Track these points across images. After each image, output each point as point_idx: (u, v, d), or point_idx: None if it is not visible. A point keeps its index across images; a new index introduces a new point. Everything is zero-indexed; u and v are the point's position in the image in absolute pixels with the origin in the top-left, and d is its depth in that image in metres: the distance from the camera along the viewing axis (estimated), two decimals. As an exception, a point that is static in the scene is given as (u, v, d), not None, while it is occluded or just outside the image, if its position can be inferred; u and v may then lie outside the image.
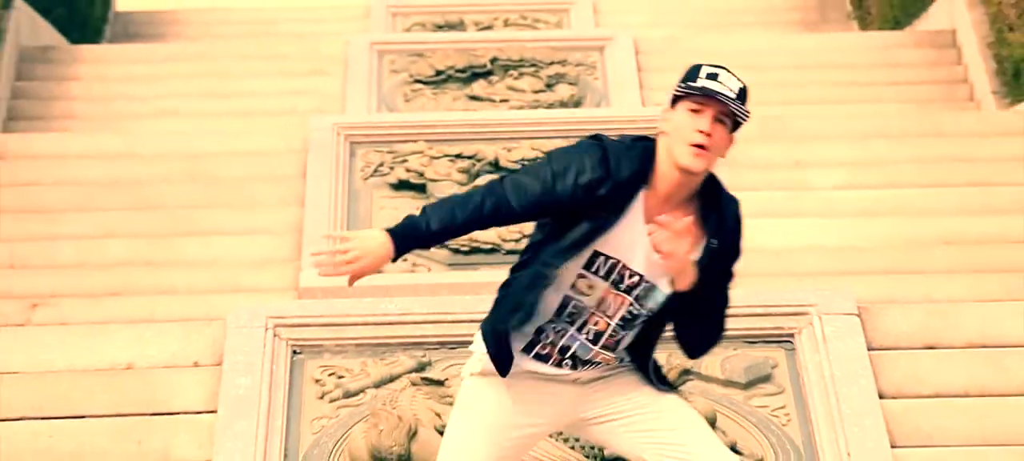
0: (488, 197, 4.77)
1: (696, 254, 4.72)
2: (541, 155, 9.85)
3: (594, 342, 4.85)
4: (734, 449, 6.47)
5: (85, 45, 13.47)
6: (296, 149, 10.16)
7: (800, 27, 14.81)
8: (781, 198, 9.72)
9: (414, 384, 6.74)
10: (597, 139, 4.78)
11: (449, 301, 7.28)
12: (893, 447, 6.68)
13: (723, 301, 4.87)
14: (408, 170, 9.77)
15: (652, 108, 11.16)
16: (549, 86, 11.85)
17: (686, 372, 6.88)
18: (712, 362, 6.86)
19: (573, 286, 4.81)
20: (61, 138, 10.80)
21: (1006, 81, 11.74)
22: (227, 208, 9.75)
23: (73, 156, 10.29)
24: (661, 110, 4.80)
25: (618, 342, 4.88)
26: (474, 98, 11.72)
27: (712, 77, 4.67)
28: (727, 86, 4.65)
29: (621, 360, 4.95)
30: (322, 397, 6.89)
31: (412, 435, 6.39)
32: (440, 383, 6.72)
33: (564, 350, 4.87)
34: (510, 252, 8.85)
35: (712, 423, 6.39)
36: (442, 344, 7.11)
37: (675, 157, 4.68)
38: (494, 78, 11.93)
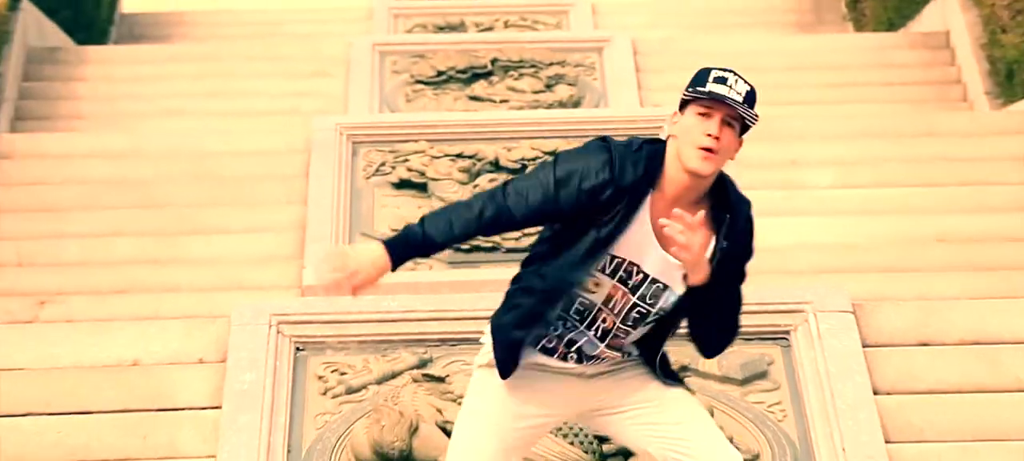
0: (488, 205, 4.73)
1: (708, 251, 4.71)
2: (541, 155, 9.89)
3: (601, 339, 4.84)
4: (730, 444, 6.46)
5: (91, 46, 13.47)
6: (299, 148, 10.17)
7: (796, 28, 14.81)
8: (777, 197, 9.72)
9: (416, 380, 6.74)
10: (603, 141, 4.75)
11: (450, 299, 7.28)
12: (887, 442, 6.68)
13: (736, 300, 4.84)
14: (409, 169, 9.77)
15: (650, 108, 11.17)
16: (549, 86, 11.85)
17: (684, 368, 6.88)
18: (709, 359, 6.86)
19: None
20: (68, 138, 10.80)
21: (999, 82, 11.74)
22: (231, 207, 9.76)
23: (80, 155, 10.29)
24: (669, 113, 4.79)
25: (626, 341, 4.87)
26: (475, 98, 11.72)
27: (720, 81, 4.65)
28: (735, 90, 4.64)
29: (628, 355, 4.94)
30: (325, 393, 6.89)
31: (413, 431, 6.39)
32: (441, 379, 6.72)
33: (570, 344, 4.86)
34: (511, 250, 8.86)
35: (708, 419, 6.39)
36: (443, 341, 7.11)
37: (684, 160, 4.66)
38: (494, 79, 11.93)
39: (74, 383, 7.00)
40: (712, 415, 6.51)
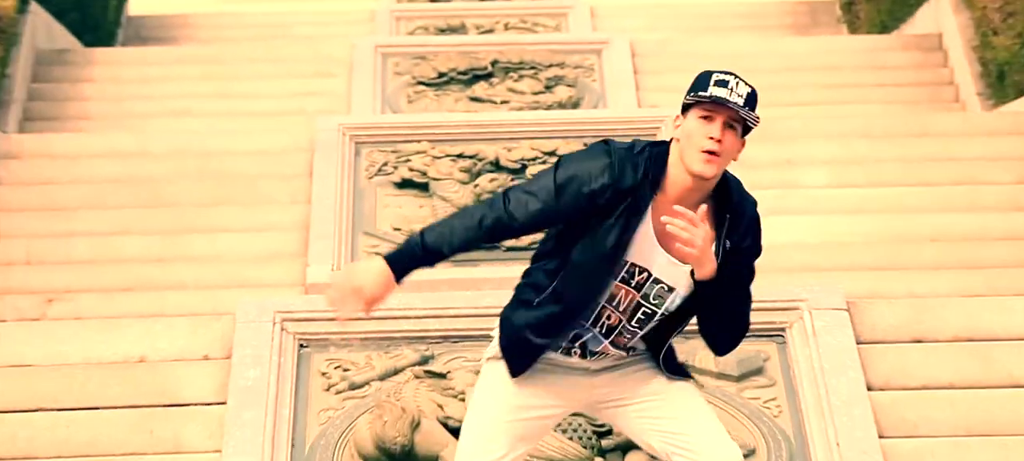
0: (489, 213, 4.72)
1: (712, 247, 4.70)
2: (540, 155, 9.89)
3: (605, 336, 4.84)
4: (727, 440, 6.46)
5: (99, 48, 13.47)
6: (303, 148, 10.16)
7: (791, 31, 14.81)
8: (772, 196, 9.71)
9: (417, 377, 6.74)
10: (605, 144, 4.74)
11: (450, 296, 7.28)
12: (881, 437, 6.68)
13: (746, 297, 4.82)
14: (411, 169, 9.77)
15: (648, 109, 11.17)
16: (548, 88, 11.85)
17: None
18: (705, 355, 6.86)
19: None
20: (76, 138, 10.80)
21: (990, 83, 11.74)
22: (236, 205, 9.76)
23: (87, 155, 10.29)
24: (667, 114, 4.80)
25: (631, 339, 4.86)
26: (475, 99, 11.72)
27: (721, 84, 4.64)
28: (737, 92, 4.63)
29: (633, 351, 4.94)
30: (328, 389, 6.89)
31: (415, 426, 6.39)
32: (442, 376, 6.71)
33: (575, 338, 4.86)
34: (510, 248, 8.84)
35: (705, 414, 6.38)
36: (444, 338, 7.11)
37: (687, 163, 4.66)
38: (495, 80, 11.93)
39: (82, 379, 7.00)
40: (709, 411, 6.52)
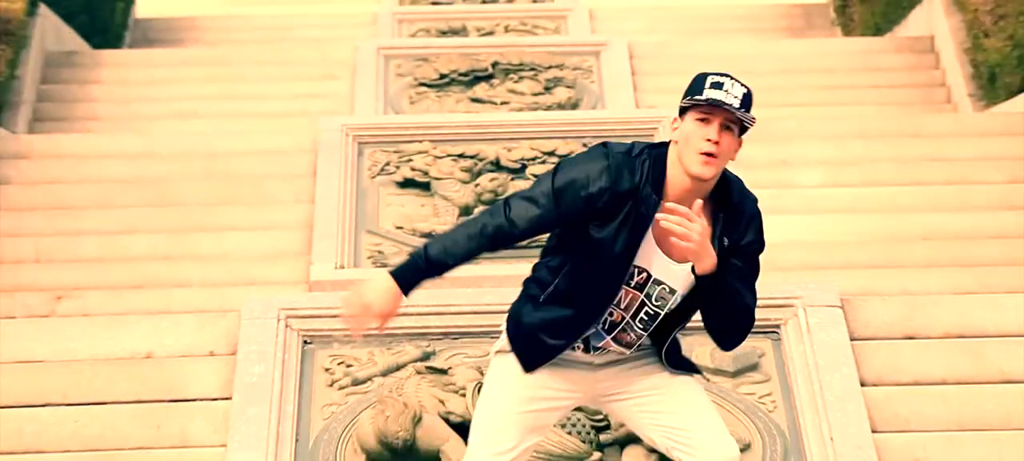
0: (491, 221, 4.74)
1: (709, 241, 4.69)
2: (540, 155, 9.89)
3: (608, 332, 4.84)
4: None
5: (107, 50, 13.47)
6: (307, 149, 10.16)
7: (786, 33, 14.81)
8: (768, 196, 9.65)
9: (419, 372, 6.74)
10: (603, 147, 4.75)
11: (452, 293, 7.28)
12: (874, 432, 6.68)
13: (749, 293, 4.80)
14: (413, 169, 9.77)
15: (645, 110, 11.16)
16: (547, 89, 11.85)
17: (677, 361, 6.87)
18: (702, 351, 6.86)
19: None
20: (84, 138, 10.80)
21: (982, 85, 11.74)
22: (241, 205, 9.76)
23: (95, 156, 10.29)
24: (664, 115, 4.80)
25: (635, 338, 4.86)
26: (476, 100, 11.72)
27: (717, 86, 4.64)
28: (732, 94, 4.63)
29: (637, 347, 4.94)
30: (331, 385, 6.89)
31: (417, 421, 6.39)
32: (444, 372, 6.72)
33: None
34: (511, 247, 8.83)
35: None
36: (445, 334, 7.11)
37: (686, 165, 4.66)
38: (495, 81, 11.93)
39: (90, 375, 7.01)
40: (706, 406, 6.52)
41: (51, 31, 12.62)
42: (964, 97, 11.83)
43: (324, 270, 8.70)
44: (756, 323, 7.00)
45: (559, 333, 4.81)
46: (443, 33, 13.92)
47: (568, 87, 11.84)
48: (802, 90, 12.18)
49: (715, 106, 4.62)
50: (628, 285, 4.75)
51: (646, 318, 4.80)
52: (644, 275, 4.74)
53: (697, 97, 4.63)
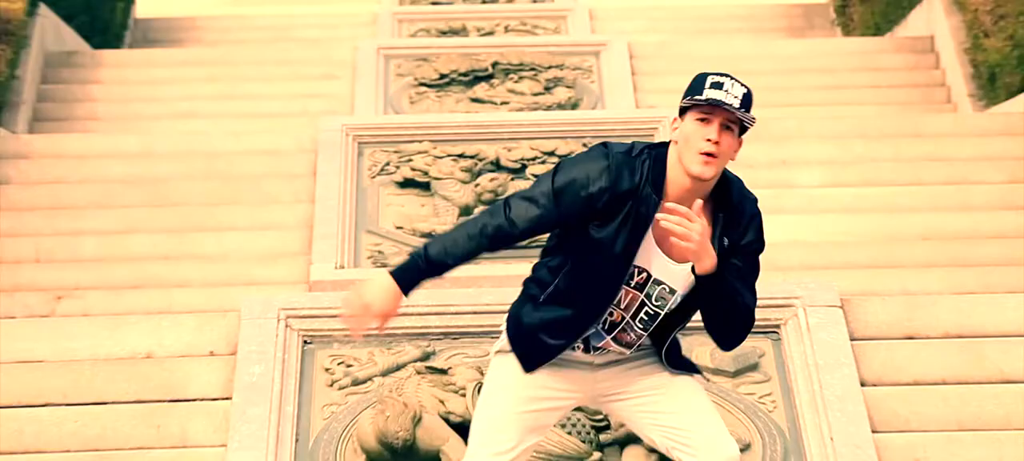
0: (491, 222, 4.73)
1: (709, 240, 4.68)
2: (540, 154, 9.88)
3: (608, 332, 4.84)
4: (722, 434, 6.45)
5: (107, 50, 13.47)
6: (307, 149, 10.16)
7: (786, 33, 14.81)
8: (768, 196, 9.68)
9: (419, 372, 6.73)
10: (603, 147, 4.74)
11: (451, 293, 7.28)
12: (874, 432, 6.68)
13: (750, 292, 4.79)
14: (413, 169, 9.77)
15: (645, 110, 11.16)
16: (547, 89, 11.85)
17: (677, 361, 6.87)
18: (702, 351, 6.86)
19: None
20: (84, 138, 10.80)
21: (981, 85, 11.73)
22: (241, 205, 9.75)
23: (95, 156, 10.29)
24: (664, 115, 4.80)
25: (635, 338, 4.85)
26: (476, 100, 11.72)
27: (717, 87, 4.63)
28: (732, 94, 4.62)
29: (638, 347, 4.93)
30: (331, 385, 6.88)
31: (417, 421, 6.39)
32: (443, 372, 6.71)
33: None
34: (510, 246, 8.83)
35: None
36: (445, 334, 7.11)
37: (686, 165, 4.65)
38: (495, 81, 11.92)
39: (90, 375, 7.00)
40: (705, 406, 6.51)
41: (51, 31, 12.62)
42: (964, 97, 11.83)
43: (324, 270, 8.70)
44: (756, 323, 7.02)
45: (559, 333, 4.81)
46: (443, 33, 13.92)
47: (568, 87, 11.84)
48: (802, 90, 12.18)
49: (715, 106, 4.62)
50: (628, 285, 4.74)
51: (646, 318, 4.79)
52: (644, 275, 4.74)
53: (697, 97, 4.63)
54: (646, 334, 4.84)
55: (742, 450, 6.43)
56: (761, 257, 4.88)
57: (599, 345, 4.86)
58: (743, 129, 4.69)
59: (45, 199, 9.76)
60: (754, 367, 6.99)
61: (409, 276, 4.74)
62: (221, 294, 8.53)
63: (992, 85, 11.53)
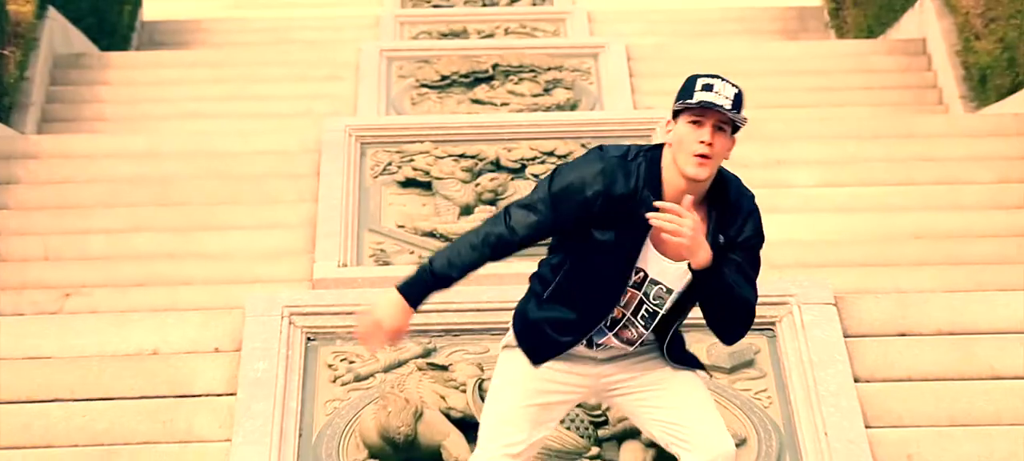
0: (492, 232, 4.76)
1: (702, 235, 4.67)
2: (539, 155, 9.88)
3: (610, 328, 4.84)
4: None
5: (114, 52, 13.47)
6: (311, 149, 10.16)
7: (781, 35, 14.80)
8: (762, 195, 9.59)
9: (420, 369, 6.73)
10: (599, 151, 4.74)
11: (452, 291, 7.22)
12: (867, 427, 6.67)
13: (747, 285, 4.78)
14: (415, 169, 9.76)
15: (643, 111, 11.15)
16: (547, 90, 11.84)
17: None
18: (698, 348, 6.83)
19: None
20: (92, 139, 10.79)
21: (973, 86, 11.73)
22: (246, 204, 9.75)
23: (103, 155, 10.28)
24: (661, 116, 4.80)
25: (638, 335, 4.84)
26: (477, 101, 11.71)
27: (708, 89, 4.63)
28: (723, 95, 4.63)
29: (641, 344, 4.93)
30: (334, 381, 6.88)
31: (418, 417, 6.38)
32: (445, 368, 6.71)
33: None
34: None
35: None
36: (446, 331, 7.10)
37: (681, 167, 4.65)
38: (495, 83, 11.91)
39: (97, 371, 7.00)
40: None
41: (59, 33, 12.61)
42: (955, 98, 11.82)
43: (327, 268, 8.69)
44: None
45: (566, 332, 4.82)
46: (444, 35, 13.92)
47: (567, 88, 11.83)
48: (796, 91, 12.17)
49: (707, 108, 4.61)
50: (627, 284, 4.74)
51: (647, 315, 4.80)
52: (641, 275, 4.74)
53: (688, 100, 4.63)
54: (648, 331, 4.84)
55: (738, 445, 6.42)
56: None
57: (601, 341, 4.86)
58: (736, 128, 4.68)
59: (53, 198, 9.75)
60: (750, 364, 6.99)
61: (416, 291, 4.77)
62: (226, 292, 8.53)
63: (983, 87, 11.52)
